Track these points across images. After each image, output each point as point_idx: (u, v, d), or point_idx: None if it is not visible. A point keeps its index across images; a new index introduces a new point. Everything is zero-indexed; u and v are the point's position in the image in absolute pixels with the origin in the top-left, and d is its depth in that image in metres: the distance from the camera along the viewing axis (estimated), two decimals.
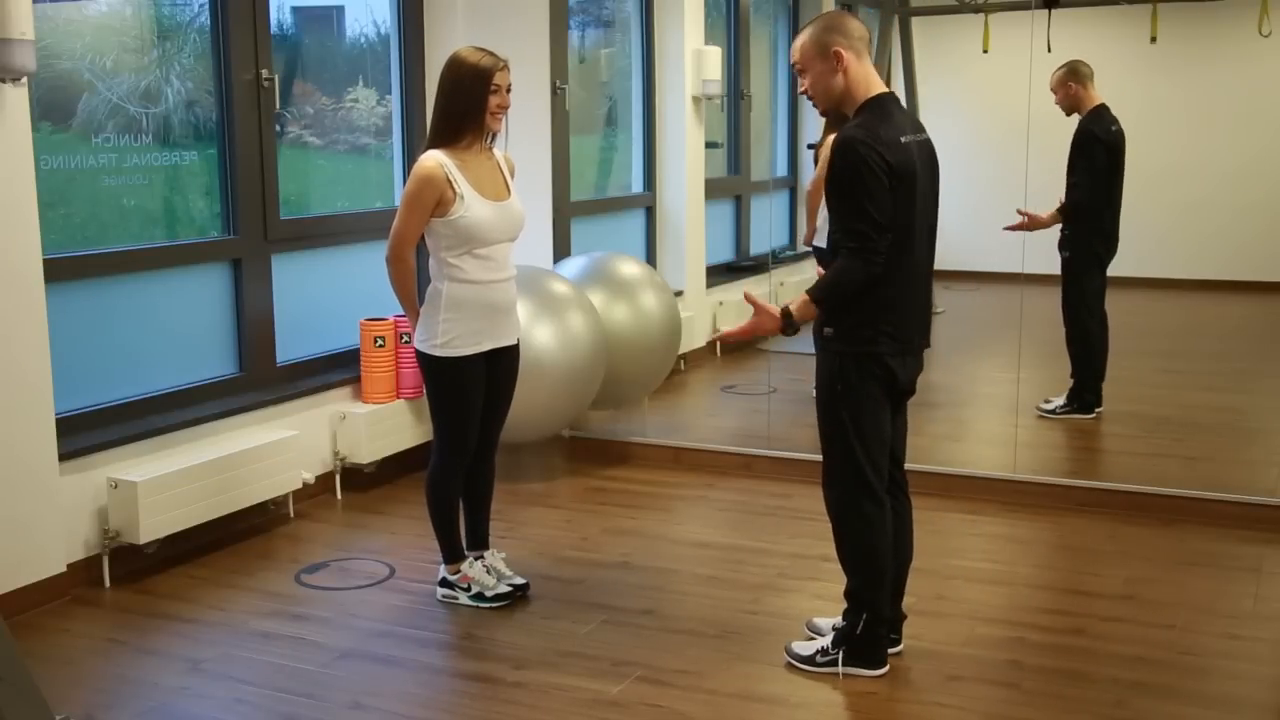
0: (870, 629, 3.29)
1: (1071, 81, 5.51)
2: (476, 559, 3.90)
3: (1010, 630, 3.63)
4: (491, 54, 3.62)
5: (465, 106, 3.59)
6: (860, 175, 2.99)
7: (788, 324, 3.10)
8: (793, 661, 3.39)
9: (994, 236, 6.58)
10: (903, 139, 3.09)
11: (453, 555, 3.87)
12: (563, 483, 5.18)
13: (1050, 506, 4.74)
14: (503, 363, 3.79)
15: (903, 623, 3.49)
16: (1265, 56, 5.84)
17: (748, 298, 3.20)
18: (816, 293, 3.07)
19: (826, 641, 3.37)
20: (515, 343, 3.83)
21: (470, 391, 3.71)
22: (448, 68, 3.62)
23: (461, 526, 3.92)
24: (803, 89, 3.24)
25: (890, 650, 3.43)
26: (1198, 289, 6.62)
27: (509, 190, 3.72)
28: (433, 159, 3.57)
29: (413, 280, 3.70)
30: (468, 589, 3.84)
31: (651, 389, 5.72)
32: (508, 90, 3.63)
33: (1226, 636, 3.58)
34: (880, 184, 2.99)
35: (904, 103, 6.70)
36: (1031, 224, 5.57)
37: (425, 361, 3.69)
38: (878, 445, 3.22)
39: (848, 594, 3.33)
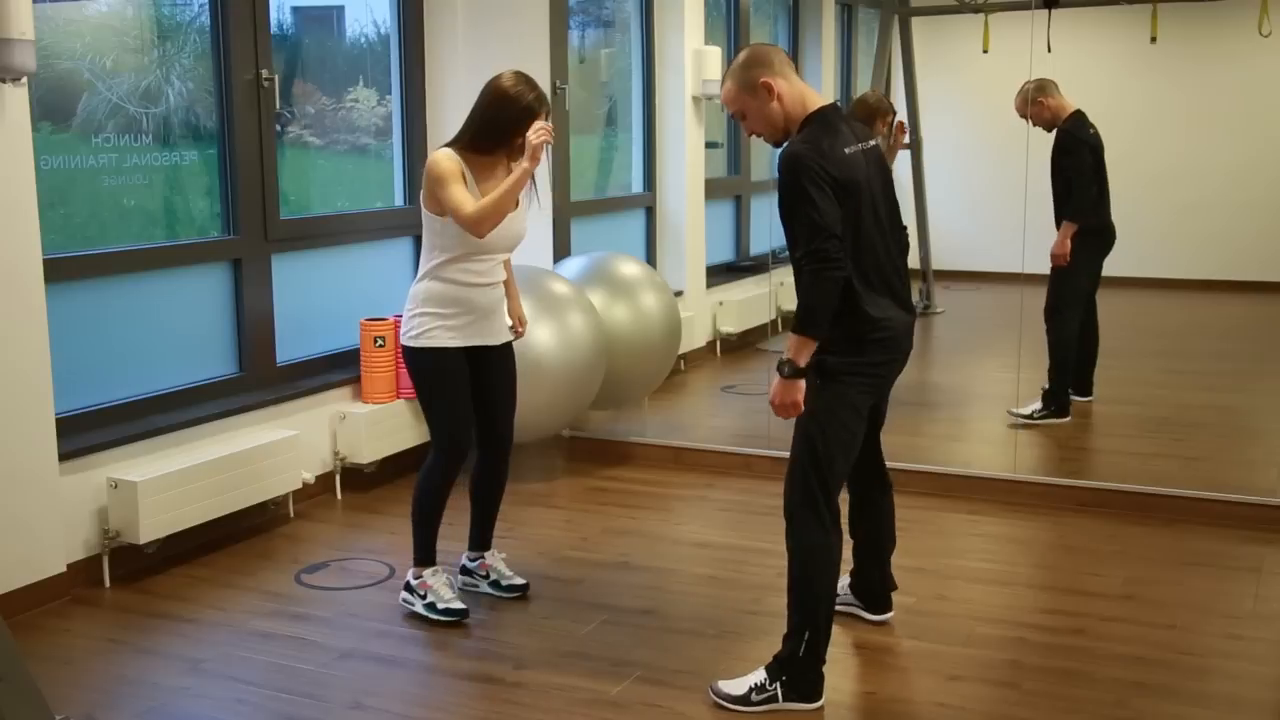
0: (812, 651, 3.13)
1: (1042, 97, 5.48)
2: (441, 570, 3.81)
3: (1010, 630, 3.63)
4: (539, 92, 3.54)
5: (499, 136, 3.56)
6: (804, 188, 2.95)
7: (791, 371, 3.04)
8: (722, 703, 3.15)
9: (994, 236, 6.58)
10: (847, 150, 3.06)
11: (424, 557, 3.79)
12: (563, 483, 5.18)
13: (1050, 506, 4.74)
14: (493, 361, 3.76)
15: (892, 591, 3.65)
16: (1265, 56, 5.83)
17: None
18: (798, 326, 3.03)
19: (760, 677, 3.16)
20: (505, 343, 3.80)
21: (451, 382, 3.67)
22: (493, 97, 3.54)
23: (435, 530, 3.80)
24: (749, 132, 3.22)
25: (878, 616, 3.60)
26: (1198, 289, 6.62)
27: (516, 202, 3.59)
28: (445, 154, 3.56)
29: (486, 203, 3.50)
30: (424, 596, 3.76)
31: (651, 389, 5.72)
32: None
33: (1226, 636, 3.58)
34: (824, 194, 2.95)
35: (904, 103, 6.78)
36: (1060, 251, 5.51)
37: (406, 355, 3.69)
38: (841, 466, 3.17)
39: (792, 614, 3.17)
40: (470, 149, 3.60)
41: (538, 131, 3.44)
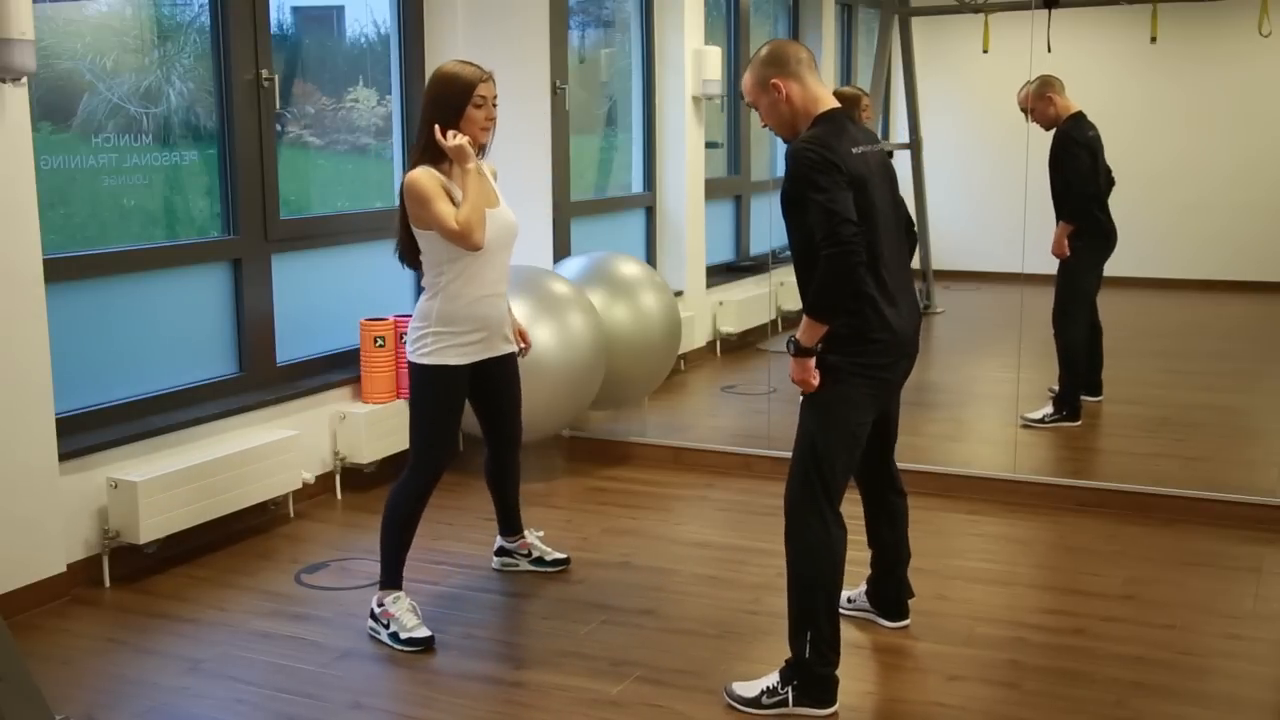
0: (820, 654, 3.10)
1: (1049, 93, 5.48)
2: (404, 596, 3.67)
3: (1010, 630, 3.63)
4: (475, 65, 3.56)
5: (448, 122, 3.50)
6: (813, 179, 2.96)
7: (799, 350, 3.06)
8: (734, 705, 3.16)
9: (994, 236, 6.58)
10: (855, 150, 3.07)
11: (389, 580, 3.66)
12: (563, 483, 5.18)
13: (1050, 506, 4.74)
14: (498, 370, 3.76)
15: (909, 599, 3.63)
16: (1265, 56, 5.84)
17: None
18: (809, 308, 3.04)
19: (773, 680, 3.16)
20: (508, 353, 3.80)
21: (450, 400, 3.64)
22: (431, 83, 3.56)
23: (404, 552, 3.72)
24: (763, 123, 3.26)
25: (895, 623, 3.54)
26: (1198, 289, 6.62)
27: (498, 198, 3.66)
28: (421, 171, 3.48)
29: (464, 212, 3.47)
30: (387, 625, 3.59)
31: (651, 389, 5.72)
32: (494, 102, 3.56)
33: (1226, 636, 3.58)
34: (835, 182, 2.96)
35: (904, 103, 6.78)
36: (1058, 251, 5.51)
37: (412, 370, 3.64)
38: (844, 466, 3.16)
39: (792, 615, 3.15)
40: (437, 158, 3.52)
41: (453, 137, 3.47)
